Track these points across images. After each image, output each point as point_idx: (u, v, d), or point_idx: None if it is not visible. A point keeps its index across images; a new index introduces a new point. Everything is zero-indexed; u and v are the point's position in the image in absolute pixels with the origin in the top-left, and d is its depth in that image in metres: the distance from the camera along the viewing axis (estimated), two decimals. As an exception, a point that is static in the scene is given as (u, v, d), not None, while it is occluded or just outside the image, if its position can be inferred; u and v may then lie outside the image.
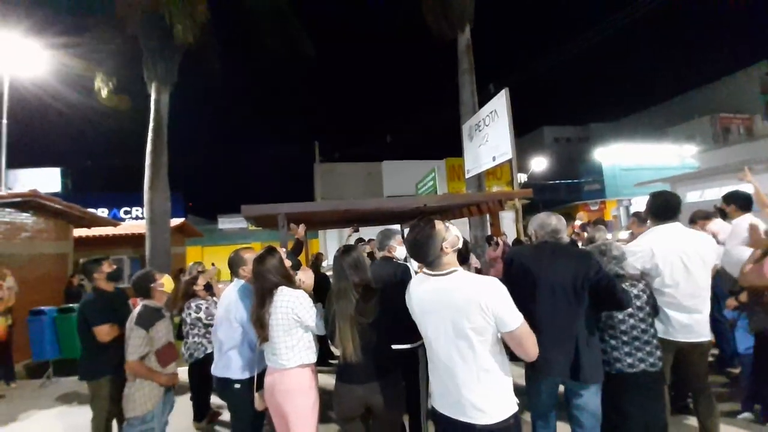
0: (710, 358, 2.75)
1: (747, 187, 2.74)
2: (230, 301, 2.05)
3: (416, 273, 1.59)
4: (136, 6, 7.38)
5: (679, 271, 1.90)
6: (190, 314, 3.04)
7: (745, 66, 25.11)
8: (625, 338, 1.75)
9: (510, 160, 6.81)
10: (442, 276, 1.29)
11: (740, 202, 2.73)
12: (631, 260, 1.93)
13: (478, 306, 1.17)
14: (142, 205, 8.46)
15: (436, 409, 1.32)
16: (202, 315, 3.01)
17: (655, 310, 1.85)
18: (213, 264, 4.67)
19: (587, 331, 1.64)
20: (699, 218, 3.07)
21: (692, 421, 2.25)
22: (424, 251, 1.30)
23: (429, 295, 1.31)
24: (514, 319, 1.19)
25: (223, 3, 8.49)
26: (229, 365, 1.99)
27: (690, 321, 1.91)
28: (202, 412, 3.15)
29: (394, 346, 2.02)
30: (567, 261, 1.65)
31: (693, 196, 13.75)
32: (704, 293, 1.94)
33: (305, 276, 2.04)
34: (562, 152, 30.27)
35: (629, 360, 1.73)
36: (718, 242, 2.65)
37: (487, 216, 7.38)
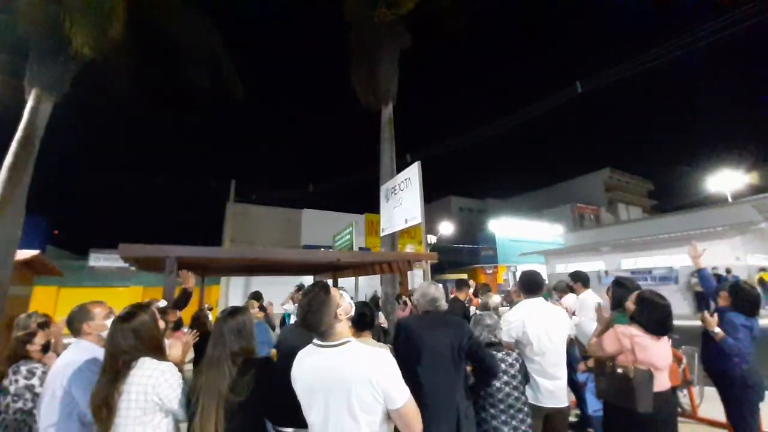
0: (573, 418, 3.13)
1: (595, 265, 3.46)
2: (64, 365, 1.62)
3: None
4: (34, 4, 6.49)
5: (545, 341, 2.18)
6: (16, 380, 2.30)
7: (595, 169, 33.48)
8: (501, 407, 1.89)
9: (420, 224, 7.39)
10: (333, 347, 1.24)
11: (583, 280, 3.42)
12: (506, 329, 2.18)
13: (368, 382, 1.15)
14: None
15: None
16: (35, 381, 2.30)
17: (526, 378, 2.08)
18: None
19: (466, 401, 1.73)
20: (558, 290, 3.70)
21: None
22: (318, 318, 1.24)
23: (317, 370, 1.22)
24: (402, 396, 1.18)
25: (149, 28, 8.02)
26: None
27: (554, 387, 2.17)
28: None
29: (284, 430, 1.79)
30: (445, 330, 1.77)
31: (561, 267, 16.65)
32: (562, 361, 2.25)
33: (174, 347, 1.74)
34: (465, 220, 34.19)
35: (505, 429, 1.85)
36: (572, 314, 3.21)
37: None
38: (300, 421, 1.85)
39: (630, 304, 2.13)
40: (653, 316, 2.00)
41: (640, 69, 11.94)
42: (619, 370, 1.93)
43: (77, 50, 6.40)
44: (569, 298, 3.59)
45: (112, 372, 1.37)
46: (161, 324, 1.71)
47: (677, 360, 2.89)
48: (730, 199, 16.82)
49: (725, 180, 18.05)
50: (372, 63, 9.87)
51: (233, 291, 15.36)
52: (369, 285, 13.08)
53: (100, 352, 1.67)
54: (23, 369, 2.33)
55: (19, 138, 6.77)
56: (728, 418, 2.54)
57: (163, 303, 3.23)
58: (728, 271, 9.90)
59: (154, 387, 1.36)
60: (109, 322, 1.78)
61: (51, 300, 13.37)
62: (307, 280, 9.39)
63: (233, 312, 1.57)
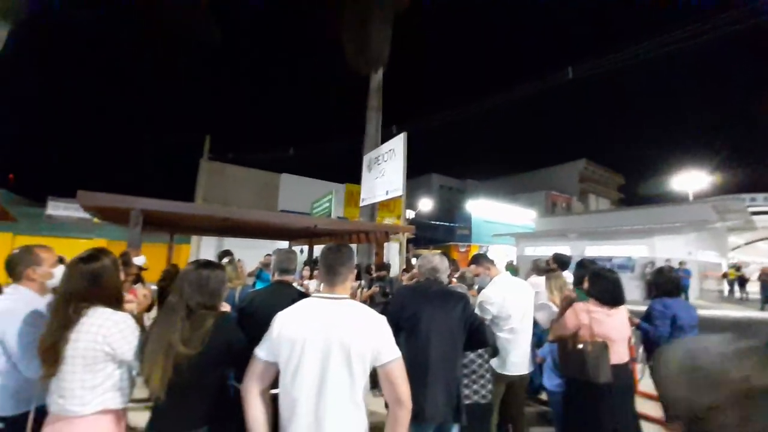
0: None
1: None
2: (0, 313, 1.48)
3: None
4: None
5: (520, 315, 2.30)
6: None
7: (572, 159, 34.47)
8: (465, 371, 1.97)
9: (401, 197, 7.37)
10: (336, 300, 1.28)
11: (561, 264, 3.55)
12: (484, 305, 2.24)
13: (367, 333, 1.18)
14: None
15: None
16: None
17: (495, 350, 2.18)
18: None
19: (461, 370, 1.77)
20: (533, 270, 3.85)
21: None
22: (345, 267, 1.32)
23: (316, 320, 1.21)
24: (393, 352, 1.19)
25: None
26: None
27: (520, 358, 2.32)
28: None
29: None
30: (453, 303, 1.76)
31: (530, 250, 17.40)
32: (530, 332, 2.39)
33: (140, 295, 1.67)
34: (444, 198, 34.64)
35: (466, 391, 1.94)
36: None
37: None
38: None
39: (586, 282, 2.25)
40: (603, 288, 2.11)
41: (628, 62, 12.04)
42: (580, 346, 2.04)
43: None
44: (534, 278, 3.74)
45: (64, 317, 1.28)
46: (122, 275, 1.60)
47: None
48: (691, 198, 17.89)
49: (689, 180, 19.11)
50: (365, 21, 9.34)
51: (205, 252, 15.00)
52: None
53: (41, 303, 1.57)
54: None
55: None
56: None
57: (141, 260, 3.06)
58: (681, 263, 10.64)
59: (105, 337, 1.28)
60: (56, 270, 1.66)
61: (6, 247, 12.55)
62: (282, 245, 9.26)
63: (201, 265, 1.47)
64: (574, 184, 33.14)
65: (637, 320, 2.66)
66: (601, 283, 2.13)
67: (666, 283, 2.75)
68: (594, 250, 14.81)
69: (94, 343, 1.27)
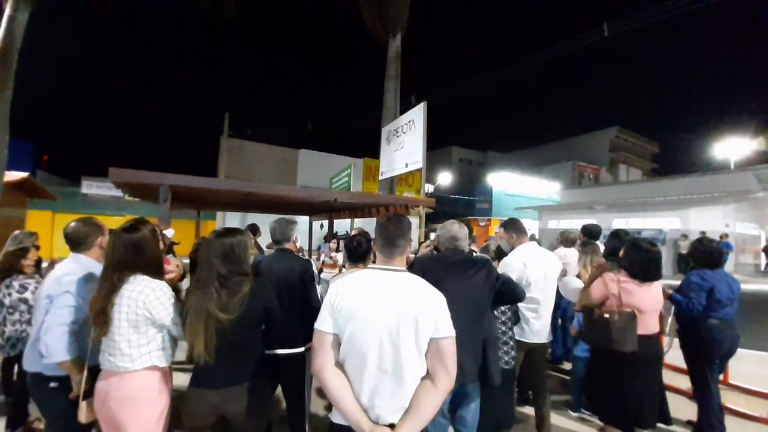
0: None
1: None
2: (58, 276, 1.54)
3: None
4: None
5: (541, 284, 2.28)
6: (9, 294, 2.36)
7: (600, 128, 32.56)
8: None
9: (420, 170, 7.25)
10: (396, 272, 1.23)
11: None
12: (507, 272, 2.20)
13: (430, 306, 1.15)
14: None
15: (338, 424, 1.16)
16: (28, 295, 2.36)
17: (516, 317, 2.17)
18: None
19: (489, 327, 1.79)
20: (561, 242, 3.78)
21: (530, 410, 2.68)
22: (405, 239, 1.28)
23: (379, 291, 1.18)
24: (450, 329, 1.16)
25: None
26: (42, 357, 1.49)
27: (541, 326, 2.32)
28: (18, 419, 2.47)
29: (279, 351, 1.90)
30: (476, 270, 1.74)
31: (553, 224, 16.98)
32: (552, 301, 2.39)
33: (172, 266, 1.76)
34: (464, 171, 33.91)
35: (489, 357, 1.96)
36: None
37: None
38: (298, 343, 1.95)
39: (622, 252, 2.17)
40: (637, 261, 2.03)
41: (666, 16, 10.97)
42: (606, 315, 2.00)
43: None
44: (561, 250, 3.66)
45: (111, 284, 1.37)
46: (161, 245, 1.68)
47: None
48: (732, 167, 16.68)
49: (731, 147, 17.72)
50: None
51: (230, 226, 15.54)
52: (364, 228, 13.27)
53: (100, 268, 1.62)
54: (15, 284, 2.40)
55: (-7, 49, 6.24)
56: (687, 366, 2.68)
57: (171, 232, 3.21)
58: (723, 236, 10.12)
59: (144, 303, 1.37)
60: None
61: (47, 224, 13.46)
62: (302, 220, 9.41)
63: (221, 234, 1.52)
64: (603, 153, 31.47)
65: (669, 291, 2.57)
66: (634, 256, 2.05)
67: (706, 254, 2.59)
68: (622, 222, 14.24)
69: (136, 308, 1.36)
